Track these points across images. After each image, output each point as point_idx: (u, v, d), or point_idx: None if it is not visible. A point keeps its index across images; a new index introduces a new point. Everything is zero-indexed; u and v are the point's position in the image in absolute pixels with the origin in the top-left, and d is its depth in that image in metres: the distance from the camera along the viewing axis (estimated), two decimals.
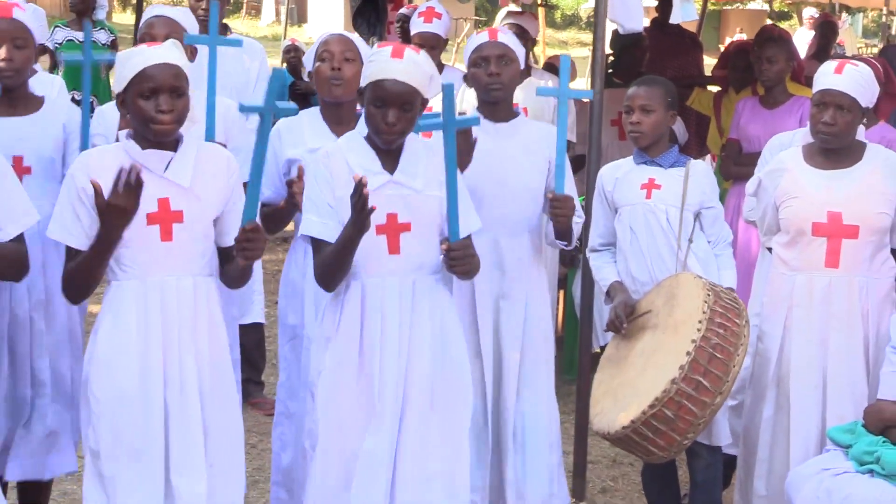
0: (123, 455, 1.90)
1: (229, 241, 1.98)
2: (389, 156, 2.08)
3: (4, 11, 2.35)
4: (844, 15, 13.19)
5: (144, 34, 2.52)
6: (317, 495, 2.10)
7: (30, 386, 2.41)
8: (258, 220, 1.96)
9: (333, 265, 2.01)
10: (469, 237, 2.09)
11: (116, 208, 1.76)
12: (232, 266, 2.03)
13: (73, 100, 5.63)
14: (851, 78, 2.38)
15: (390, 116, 1.98)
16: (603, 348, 3.00)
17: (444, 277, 2.14)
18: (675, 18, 3.78)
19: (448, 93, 2.04)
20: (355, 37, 2.64)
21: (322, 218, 2.06)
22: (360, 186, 1.83)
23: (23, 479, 2.50)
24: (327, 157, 2.11)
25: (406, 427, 2.06)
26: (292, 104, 2.12)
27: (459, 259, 2.02)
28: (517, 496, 2.52)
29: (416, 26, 3.78)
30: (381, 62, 2.03)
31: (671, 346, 2.37)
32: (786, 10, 19.10)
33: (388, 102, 1.99)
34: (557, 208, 2.41)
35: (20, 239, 2.03)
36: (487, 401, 2.49)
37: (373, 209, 1.85)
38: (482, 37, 2.58)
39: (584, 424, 2.99)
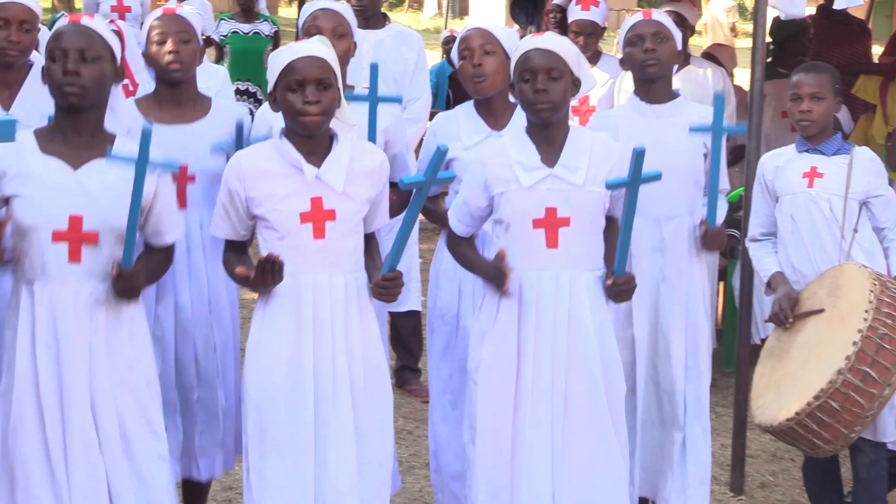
0: (272, 450, 1.92)
1: (369, 229, 2.06)
2: (551, 149, 2.07)
3: (168, 9, 2.49)
4: None
5: (309, 27, 2.49)
6: (480, 490, 2.12)
7: (198, 387, 2.42)
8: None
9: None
10: (632, 274, 2.06)
11: (263, 284, 1.88)
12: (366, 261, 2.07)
13: (237, 91, 5.84)
14: None
15: (539, 83, 1.99)
16: (763, 341, 2.94)
17: (601, 274, 2.12)
18: (839, 4, 3.54)
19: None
20: (493, 26, 2.56)
21: (456, 214, 2.18)
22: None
23: (206, 478, 2.51)
24: (483, 159, 2.14)
25: (566, 424, 2.06)
26: (449, 172, 2.18)
27: (622, 293, 2.07)
28: (680, 479, 2.52)
29: (574, 14, 3.91)
30: (524, 43, 2.12)
31: (836, 337, 2.32)
32: None
33: (535, 71, 2.00)
34: (710, 240, 2.45)
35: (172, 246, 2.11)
36: (638, 384, 2.50)
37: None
38: (636, 16, 2.59)
39: (742, 417, 2.97)
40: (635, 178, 1.91)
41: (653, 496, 2.60)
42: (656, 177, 1.96)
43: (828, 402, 2.23)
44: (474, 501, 2.13)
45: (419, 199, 1.88)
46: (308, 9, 2.58)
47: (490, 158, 2.12)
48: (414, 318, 3.86)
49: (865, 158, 2.58)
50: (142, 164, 1.78)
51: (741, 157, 3.27)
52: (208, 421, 2.42)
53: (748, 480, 3.18)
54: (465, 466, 2.23)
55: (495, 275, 2.02)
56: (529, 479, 2.03)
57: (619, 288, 2.04)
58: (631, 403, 2.41)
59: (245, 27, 6.27)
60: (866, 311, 2.24)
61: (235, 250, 2.04)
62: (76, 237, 1.85)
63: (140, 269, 1.89)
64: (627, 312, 2.45)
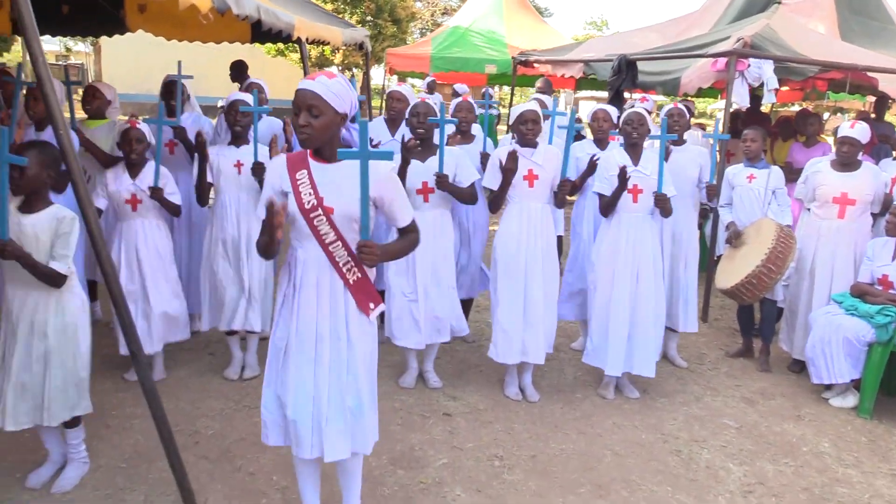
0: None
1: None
2: (634, 156, 4.41)
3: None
4: None
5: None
6: (596, 309, 4.57)
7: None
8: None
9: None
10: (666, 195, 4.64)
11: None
12: None
13: None
14: None
15: (636, 132, 4.38)
16: (720, 257, 5.67)
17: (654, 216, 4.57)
18: (766, 99, 6.40)
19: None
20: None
21: (600, 184, 4.56)
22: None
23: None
24: (609, 158, 4.50)
25: (638, 291, 4.46)
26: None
27: (665, 207, 4.46)
28: (684, 313, 5.25)
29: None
30: (628, 113, 4.70)
31: (757, 251, 4.99)
32: None
33: (633, 122, 4.46)
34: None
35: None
36: (665, 270, 5.24)
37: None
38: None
39: (708, 285, 5.91)
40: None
41: (669, 323, 5.17)
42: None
43: (751, 279, 4.90)
44: (593, 317, 4.61)
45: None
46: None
47: (611, 160, 4.50)
48: None
49: (776, 171, 5.27)
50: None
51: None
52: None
53: (710, 314, 6.13)
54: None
55: (620, 181, 4.62)
56: (619, 313, 4.50)
57: (663, 204, 4.37)
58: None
59: None
60: (772, 240, 4.92)
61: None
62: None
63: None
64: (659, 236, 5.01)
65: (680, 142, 5.07)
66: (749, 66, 6.09)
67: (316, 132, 2.52)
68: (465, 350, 5.31)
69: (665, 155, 4.37)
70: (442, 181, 4.22)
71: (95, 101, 4.92)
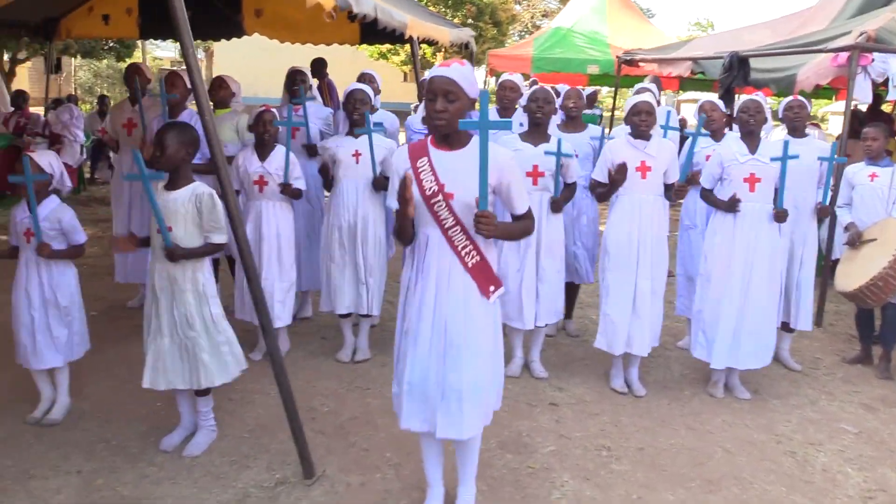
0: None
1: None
2: (751, 144, 4.29)
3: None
4: None
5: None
6: (708, 307, 4.48)
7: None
8: None
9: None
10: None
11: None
12: None
13: None
14: None
15: (751, 120, 4.30)
16: (836, 260, 5.44)
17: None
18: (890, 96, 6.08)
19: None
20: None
21: (705, 178, 4.48)
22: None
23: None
24: (723, 148, 4.44)
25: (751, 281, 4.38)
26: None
27: (783, 219, 4.33)
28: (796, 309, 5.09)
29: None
30: (742, 101, 4.60)
31: (882, 253, 4.75)
32: None
33: (748, 111, 4.33)
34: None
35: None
36: (782, 269, 5.07)
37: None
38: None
39: (824, 289, 5.67)
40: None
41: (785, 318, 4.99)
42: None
43: (876, 281, 4.64)
44: (703, 309, 4.48)
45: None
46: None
47: (725, 150, 4.40)
48: None
49: None
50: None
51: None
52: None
53: (825, 319, 5.90)
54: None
55: (728, 206, 4.29)
56: (730, 306, 4.41)
57: (784, 213, 4.25)
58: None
59: None
60: None
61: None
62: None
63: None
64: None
65: (801, 134, 4.91)
66: (873, 60, 5.82)
67: (452, 116, 2.61)
68: (570, 343, 5.32)
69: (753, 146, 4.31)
70: (556, 205, 4.39)
71: (221, 92, 5.24)
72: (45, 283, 3.67)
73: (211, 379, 3.43)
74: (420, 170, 2.71)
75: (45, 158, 3.66)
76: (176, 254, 3.29)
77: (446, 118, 2.61)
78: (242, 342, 4.98)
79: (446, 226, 2.71)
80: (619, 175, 4.19)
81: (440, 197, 2.69)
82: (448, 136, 2.70)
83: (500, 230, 2.72)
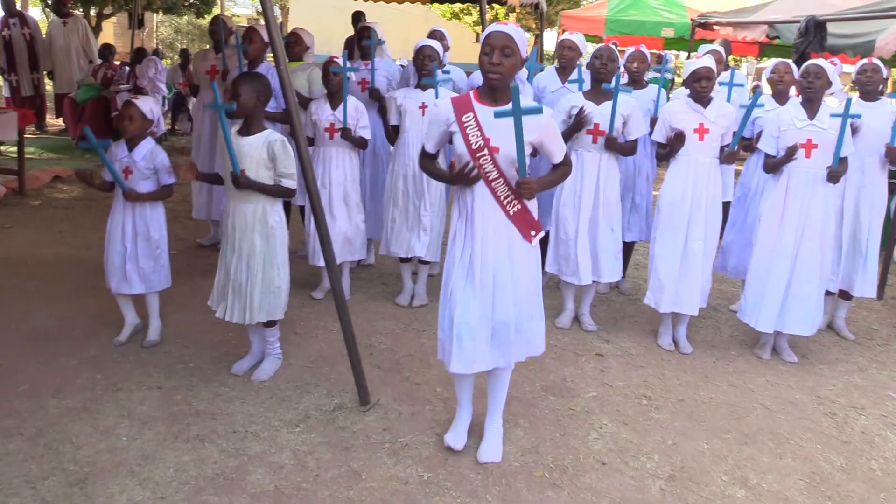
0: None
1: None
2: (810, 110, 4.19)
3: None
4: None
5: None
6: (755, 278, 4.51)
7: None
8: None
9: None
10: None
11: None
12: None
13: None
14: None
15: (810, 82, 4.35)
16: None
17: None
18: None
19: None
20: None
21: (765, 141, 4.42)
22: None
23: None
24: (782, 113, 4.37)
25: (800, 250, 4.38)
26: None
27: (836, 177, 4.24)
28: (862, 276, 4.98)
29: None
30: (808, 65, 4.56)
31: None
32: None
33: (808, 74, 4.26)
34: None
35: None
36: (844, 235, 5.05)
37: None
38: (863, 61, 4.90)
39: (887, 262, 5.56)
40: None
41: (845, 286, 4.96)
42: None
43: None
44: (751, 272, 4.49)
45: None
46: None
47: (784, 115, 4.35)
48: None
49: None
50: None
51: None
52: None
53: (886, 292, 5.85)
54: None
55: (786, 155, 4.56)
56: (779, 269, 4.40)
57: (837, 173, 4.16)
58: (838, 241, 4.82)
59: None
60: None
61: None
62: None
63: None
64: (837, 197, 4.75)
65: (874, 98, 4.84)
66: None
67: (507, 70, 2.76)
68: (621, 301, 5.44)
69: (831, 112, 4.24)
70: (611, 142, 4.42)
71: (297, 47, 5.51)
72: (139, 217, 4.02)
73: (253, 317, 3.70)
74: (466, 124, 2.87)
75: (147, 105, 3.98)
76: (241, 181, 3.53)
77: (501, 71, 2.75)
78: (308, 283, 5.28)
79: (490, 178, 2.88)
80: (677, 142, 4.27)
81: (486, 151, 2.85)
82: (496, 90, 2.84)
83: (540, 187, 2.91)
